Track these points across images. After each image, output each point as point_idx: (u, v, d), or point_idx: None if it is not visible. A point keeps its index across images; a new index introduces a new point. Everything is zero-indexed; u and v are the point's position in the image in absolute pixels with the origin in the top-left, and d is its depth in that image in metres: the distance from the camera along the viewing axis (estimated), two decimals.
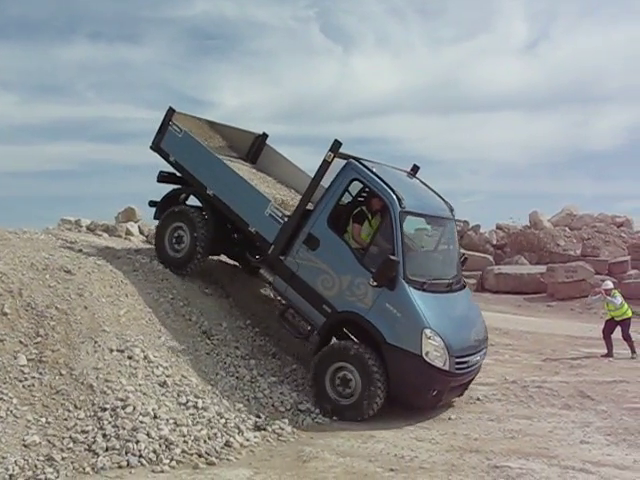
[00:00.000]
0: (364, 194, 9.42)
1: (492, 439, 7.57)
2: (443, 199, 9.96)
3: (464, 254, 11.02)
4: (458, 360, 8.53)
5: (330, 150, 8.87)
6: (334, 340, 9.04)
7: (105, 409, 6.82)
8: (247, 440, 7.17)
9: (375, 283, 8.39)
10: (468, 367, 8.82)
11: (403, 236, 8.56)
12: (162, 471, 6.16)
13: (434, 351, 8.25)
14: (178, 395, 7.47)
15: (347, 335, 9.10)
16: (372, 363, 8.31)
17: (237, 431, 7.27)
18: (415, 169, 10.38)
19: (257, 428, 7.53)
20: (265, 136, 12.47)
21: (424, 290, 8.60)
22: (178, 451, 6.53)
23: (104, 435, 6.54)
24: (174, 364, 8.00)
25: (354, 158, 9.09)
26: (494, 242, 30.55)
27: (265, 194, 9.70)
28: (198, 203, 10.61)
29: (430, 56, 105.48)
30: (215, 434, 7.04)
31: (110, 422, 6.69)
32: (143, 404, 6.99)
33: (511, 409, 9.09)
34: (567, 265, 22.96)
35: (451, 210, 9.95)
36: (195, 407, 7.37)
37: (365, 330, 8.61)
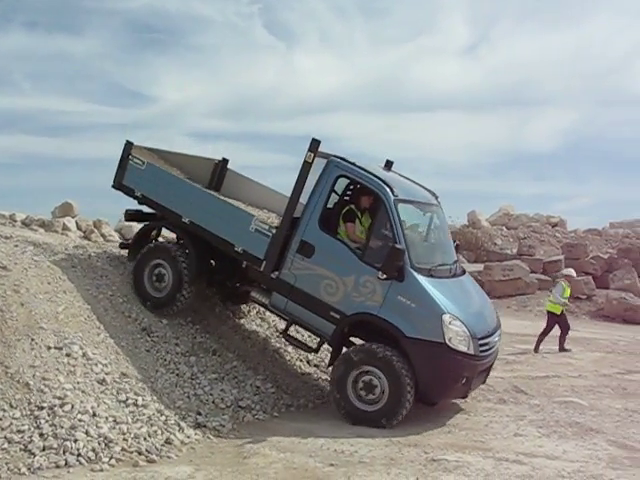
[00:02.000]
0: (349, 192, 9.25)
1: (430, 434, 7.75)
2: (426, 188, 9.79)
3: (455, 240, 10.88)
4: (481, 342, 8.32)
5: (309, 150, 8.52)
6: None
7: (42, 408, 6.69)
8: (187, 437, 7.16)
9: (384, 276, 8.08)
10: (490, 348, 8.65)
11: (402, 224, 8.37)
12: (101, 470, 6.08)
13: (457, 336, 8.03)
14: (117, 393, 7.39)
15: (353, 343, 8.81)
16: (401, 366, 8.00)
17: (177, 428, 7.24)
18: (389, 164, 10.20)
19: (197, 425, 7.52)
20: (225, 161, 12.11)
21: (432, 276, 8.39)
22: (118, 449, 6.47)
23: (41, 434, 6.41)
24: (113, 361, 7.90)
25: (334, 156, 8.83)
26: None
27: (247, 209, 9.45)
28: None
29: (373, 55, 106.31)
30: (155, 431, 7.00)
31: (47, 421, 6.56)
32: (82, 402, 6.88)
33: (448, 404, 9.28)
34: (504, 264, 23.46)
35: (436, 197, 9.78)
36: (135, 404, 7.30)
37: (379, 330, 8.31)
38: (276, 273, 8.76)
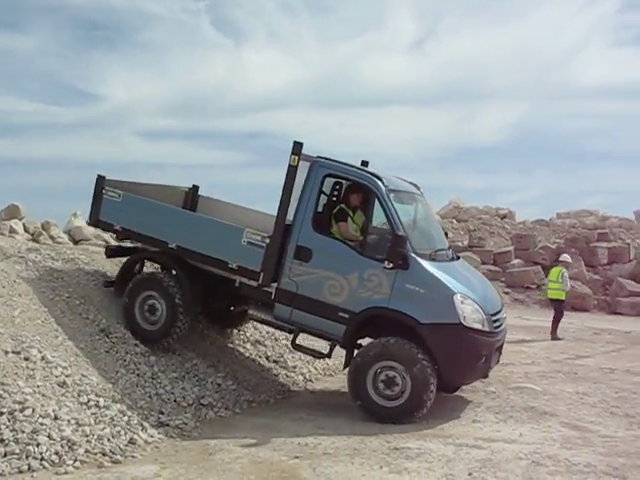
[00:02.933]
0: (336, 192, 9.11)
1: (391, 424, 7.89)
2: (406, 180, 9.77)
3: (444, 229, 10.92)
4: (493, 319, 8.35)
5: (292, 153, 8.41)
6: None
7: (2, 413, 6.56)
8: (151, 436, 7.14)
9: (391, 265, 7.97)
10: (501, 324, 8.67)
11: (397, 212, 8.30)
12: (66, 472, 6.03)
13: (471, 314, 8.00)
14: (79, 395, 7.31)
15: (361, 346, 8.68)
16: (422, 357, 7.92)
17: (140, 428, 7.21)
18: (364, 164, 9.98)
19: (160, 424, 7.51)
20: (196, 188, 12.00)
21: (434, 260, 8.39)
22: (82, 451, 6.40)
23: (1, 440, 6.27)
24: (73, 363, 7.83)
25: (317, 157, 8.70)
26: None
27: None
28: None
29: (322, 52, 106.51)
30: (118, 432, 6.96)
31: (8, 426, 6.43)
32: (42, 406, 6.79)
33: None
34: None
35: (418, 188, 9.78)
36: (97, 406, 7.24)
37: (390, 324, 8.25)
38: (276, 283, 8.61)
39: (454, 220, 33.32)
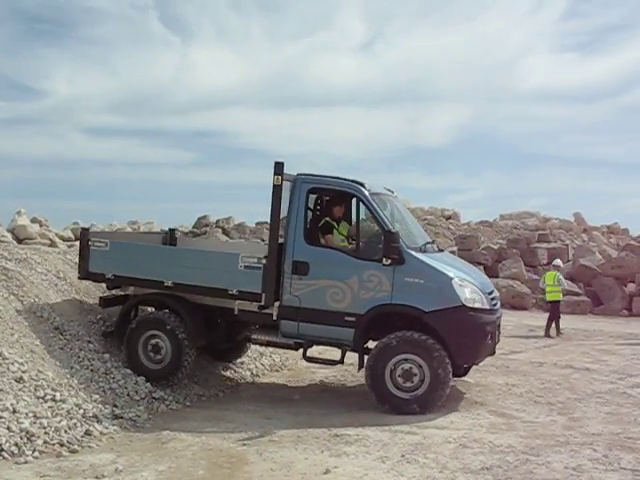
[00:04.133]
0: (319, 206, 9.47)
1: (332, 413, 8.45)
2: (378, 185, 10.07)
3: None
4: (490, 297, 8.87)
5: (275, 174, 8.65)
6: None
7: None
8: (106, 428, 7.52)
9: (389, 261, 8.33)
10: (496, 302, 9.15)
11: (384, 212, 8.77)
12: (26, 462, 6.37)
13: (470, 295, 8.46)
14: (35, 389, 7.63)
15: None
16: (438, 347, 8.29)
17: (96, 420, 7.59)
18: (279, 165, 10.43)
19: (115, 417, 7.89)
20: (172, 230, 12.38)
21: (425, 252, 8.86)
22: (40, 442, 6.76)
23: None
24: (29, 360, 8.13)
25: (298, 174, 9.06)
26: None
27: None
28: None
29: (270, 51, 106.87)
30: (75, 424, 7.32)
31: None
32: (1, 400, 7.10)
33: (348, 387, 10.09)
34: None
35: (392, 192, 10.20)
36: (53, 400, 7.58)
37: (394, 322, 8.61)
38: (278, 301, 8.86)
39: None
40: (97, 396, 8.21)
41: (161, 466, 6.36)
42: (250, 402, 9.14)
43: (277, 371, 11.35)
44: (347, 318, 8.62)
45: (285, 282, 8.82)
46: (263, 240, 28.72)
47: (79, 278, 10.26)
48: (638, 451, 6.85)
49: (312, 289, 8.74)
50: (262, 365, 11.34)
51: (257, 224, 34.31)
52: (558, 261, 18.27)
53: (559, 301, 16.60)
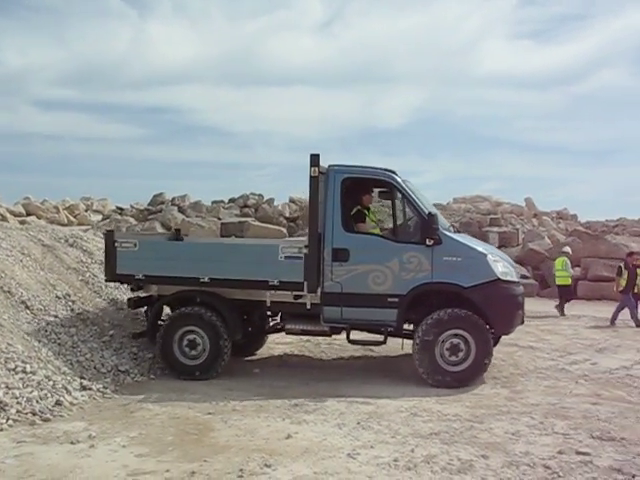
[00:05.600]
0: (349, 195, 9.56)
1: (292, 386, 8.91)
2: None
3: None
4: (516, 271, 9.65)
5: (311, 165, 8.95)
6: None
7: None
8: (75, 399, 7.87)
9: (432, 242, 8.83)
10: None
11: (417, 197, 9.27)
12: (1, 429, 6.71)
13: (502, 269, 9.11)
14: (6, 362, 7.90)
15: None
16: (482, 323, 8.92)
17: (65, 391, 7.91)
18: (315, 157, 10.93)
19: (83, 388, 8.24)
20: (178, 230, 12.75)
21: (456, 233, 9.59)
22: (13, 411, 7.08)
23: None
24: None
25: (330, 165, 9.38)
26: (287, 215, 32.10)
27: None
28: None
29: (228, 28, 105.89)
30: (45, 395, 7.64)
31: None
32: None
33: (309, 363, 10.60)
34: None
35: None
36: (24, 372, 7.87)
37: (438, 295, 9.11)
38: (319, 289, 9.18)
39: None
40: (66, 368, 8.55)
41: (132, 433, 6.77)
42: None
43: None
44: (390, 299, 9.04)
45: (326, 269, 9.15)
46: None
47: (106, 281, 10.27)
48: (570, 419, 7.50)
49: (353, 274, 9.10)
50: None
51: (213, 203, 34.46)
52: (567, 248, 19.49)
53: (569, 285, 17.95)
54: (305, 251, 9.12)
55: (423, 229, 8.97)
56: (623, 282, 16.03)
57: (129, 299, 10.31)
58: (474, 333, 8.90)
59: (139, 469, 5.80)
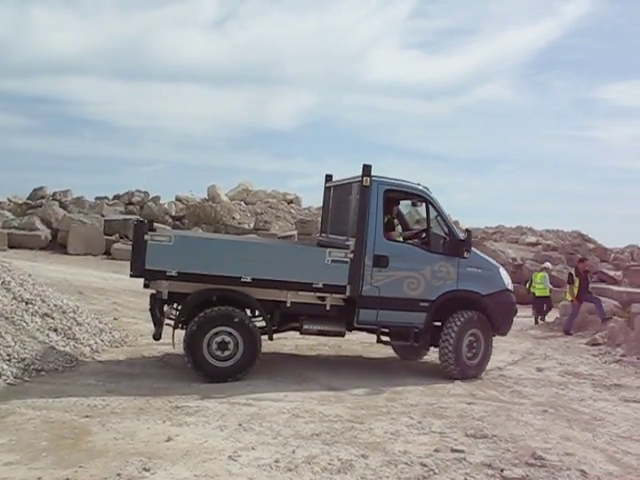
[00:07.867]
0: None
1: (173, 387, 8.79)
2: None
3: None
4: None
5: (363, 175, 9.58)
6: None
7: None
8: None
9: (468, 254, 10.05)
10: None
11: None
12: None
13: (507, 279, 10.71)
14: None
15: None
16: (490, 324, 10.34)
17: None
18: (328, 177, 12.65)
19: None
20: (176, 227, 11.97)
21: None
22: None
23: None
24: None
25: (373, 177, 9.76)
26: (173, 213, 31.78)
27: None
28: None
29: (118, 19, 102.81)
30: None
31: None
32: None
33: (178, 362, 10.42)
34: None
35: None
36: None
37: (460, 301, 10.16)
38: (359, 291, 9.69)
39: (242, 202, 34.49)
40: None
41: (1, 439, 6.39)
42: (91, 377, 9.20)
43: (117, 347, 11.42)
44: (422, 304, 9.95)
45: (366, 274, 9.72)
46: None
47: (132, 276, 9.50)
48: (447, 418, 7.85)
49: (391, 280, 9.82)
50: (102, 341, 11.34)
51: (97, 199, 33.46)
52: (548, 264, 22.56)
53: (547, 296, 19.98)
54: (351, 256, 9.56)
55: (459, 244, 10.04)
56: (575, 289, 16.81)
57: (152, 295, 9.83)
58: (485, 333, 10.30)
59: (7, 478, 5.51)
